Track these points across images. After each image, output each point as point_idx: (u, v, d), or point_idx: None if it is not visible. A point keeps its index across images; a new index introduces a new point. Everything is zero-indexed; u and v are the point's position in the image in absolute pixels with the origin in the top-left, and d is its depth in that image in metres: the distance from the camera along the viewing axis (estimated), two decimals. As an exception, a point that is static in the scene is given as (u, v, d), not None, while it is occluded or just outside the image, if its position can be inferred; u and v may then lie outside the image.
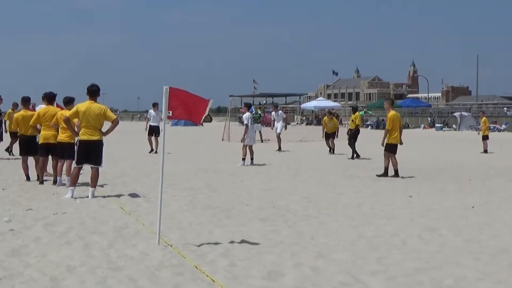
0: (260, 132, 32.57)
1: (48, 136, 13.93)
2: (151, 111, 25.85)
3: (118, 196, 12.53)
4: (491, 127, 55.99)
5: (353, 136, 23.46)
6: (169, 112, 8.24)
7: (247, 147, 20.24)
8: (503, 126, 56.97)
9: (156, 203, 8.94)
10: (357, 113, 24.51)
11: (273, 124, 29.27)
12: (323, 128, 26.77)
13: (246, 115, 20.56)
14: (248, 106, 22.28)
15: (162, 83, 8.16)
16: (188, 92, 8.42)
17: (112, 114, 12.22)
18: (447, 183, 15.47)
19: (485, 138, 27.75)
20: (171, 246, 8.09)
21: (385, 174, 16.75)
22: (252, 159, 20.36)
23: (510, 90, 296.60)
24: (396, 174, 16.66)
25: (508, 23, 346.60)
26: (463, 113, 64.04)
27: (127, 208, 11.08)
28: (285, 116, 29.57)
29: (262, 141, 32.15)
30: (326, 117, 26.75)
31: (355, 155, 23.16)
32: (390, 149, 16.95)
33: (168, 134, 9.91)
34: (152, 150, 24.94)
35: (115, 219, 9.98)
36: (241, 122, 27.31)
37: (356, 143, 23.45)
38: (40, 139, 14.17)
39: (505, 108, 72.60)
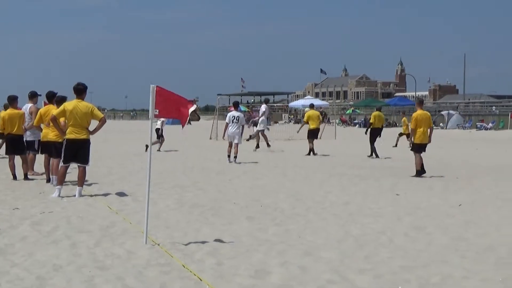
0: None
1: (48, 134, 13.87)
2: None
3: (105, 195, 12.51)
4: (478, 125, 56.45)
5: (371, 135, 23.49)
6: (156, 111, 8.24)
7: (229, 144, 20.49)
8: (490, 124, 57.23)
9: (144, 202, 8.93)
10: (375, 112, 24.38)
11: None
12: (303, 125, 26.14)
13: (229, 114, 20.91)
14: (236, 105, 22.35)
15: (149, 82, 8.14)
16: (174, 93, 8.44)
17: (99, 113, 12.18)
18: (434, 182, 15.54)
19: (401, 135, 30.68)
20: (159, 245, 8.09)
21: (422, 171, 16.62)
22: (235, 157, 20.43)
23: (497, 88, 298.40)
24: (417, 174, 16.56)
25: (495, 22, 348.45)
26: (451, 111, 64.24)
27: (114, 207, 11.06)
28: (263, 110, 28.40)
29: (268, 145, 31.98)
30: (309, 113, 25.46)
31: (373, 154, 23.10)
32: (415, 148, 16.89)
33: (155, 132, 9.90)
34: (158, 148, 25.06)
35: (102, 218, 9.96)
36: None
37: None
38: (42, 138, 14.13)
39: (493, 107, 72.95)
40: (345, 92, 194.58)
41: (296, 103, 67.44)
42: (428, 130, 16.94)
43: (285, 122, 76.15)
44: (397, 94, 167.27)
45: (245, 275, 6.78)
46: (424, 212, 10.94)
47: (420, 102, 18.39)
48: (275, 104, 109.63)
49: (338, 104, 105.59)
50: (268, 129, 34.37)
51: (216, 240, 8.42)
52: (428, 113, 17.49)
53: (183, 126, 8.87)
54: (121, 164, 19.53)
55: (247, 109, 75.25)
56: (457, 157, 23.53)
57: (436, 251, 8.01)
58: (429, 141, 17.09)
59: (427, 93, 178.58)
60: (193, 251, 7.82)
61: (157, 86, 8.19)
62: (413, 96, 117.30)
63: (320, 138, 25.10)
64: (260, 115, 28.19)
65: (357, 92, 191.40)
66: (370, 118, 25.00)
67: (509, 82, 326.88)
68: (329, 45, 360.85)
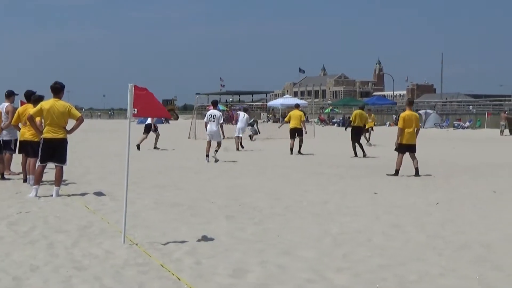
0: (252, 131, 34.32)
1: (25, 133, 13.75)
2: None
3: (83, 194, 12.44)
4: (456, 125, 56.90)
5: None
6: (134, 110, 8.20)
7: (208, 142, 20.59)
8: (467, 123, 57.73)
9: (121, 201, 8.88)
10: (357, 110, 24.34)
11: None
12: (283, 123, 26.23)
13: (207, 113, 21.10)
14: (215, 104, 22.36)
15: (127, 81, 8.10)
16: (151, 94, 8.43)
17: (77, 112, 12.11)
18: (412, 180, 15.64)
19: (366, 131, 30.16)
20: (137, 244, 8.06)
21: (416, 173, 16.56)
22: (216, 151, 20.50)
23: (474, 88, 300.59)
24: (396, 173, 16.57)
25: (472, 22, 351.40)
26: (428, 110, 64.71)
27: (92, 206, 11.00)
28: (241, 117, 29.02)
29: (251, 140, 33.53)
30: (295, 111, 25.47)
31: (356, 154, 23.04)
32: (399, 148, 16.85)
33: (134, 132, 9.86)
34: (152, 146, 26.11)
35: (80, 217, 9.90)
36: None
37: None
38: (19, 137, 14.01)
39: (470, 106, 73.56)
40: (324, 91, 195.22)
41: (275, 102, 67.68)
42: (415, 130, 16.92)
43: (264, 121, 76.23)
44: (375, 93, 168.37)
45: (223, 274, 6.77)
46: (401, 211, 11.01)
47: (410, 102, 18.41)
48: (253, 103, 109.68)
49: (316, 103, 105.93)
50: (259, 132, 34.79)
51: (194, 240, 8.41)
52: (417, 114, 17.50)
53: (164, 119, 8.86)
54: (99, 163, 19.44)
55: (225, 108, 75.42)
56: (435, 156, 23.66)
57: (413, 249, 8.07)
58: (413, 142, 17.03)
59: (405, 92, 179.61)
60: (172, 250, 7.80)
61: (135, 85, 8.16)
62: (391, 96, 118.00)
63: (300, 136, 24.86)
64: (238, 121, 28.57)
65: (336, 91, 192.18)
66: (350, 117, 24.95)
67: (486, 81, 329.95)
68: (308, 44, 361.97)
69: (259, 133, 35.03)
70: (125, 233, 8.15)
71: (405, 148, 16.76)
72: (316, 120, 63.96)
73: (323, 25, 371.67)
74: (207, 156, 20.40)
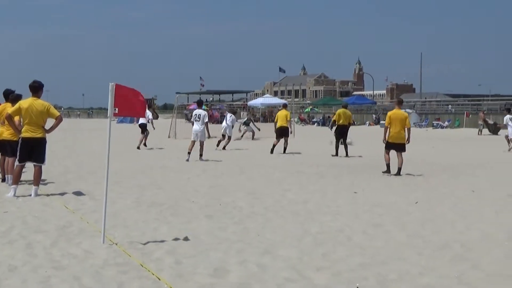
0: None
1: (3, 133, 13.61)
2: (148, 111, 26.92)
3: (62, 194, 12.36)
4: (435, 124, 57.22)
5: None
6: (115, 109, 8.15)
7: (192, 142, 20.59)
8: (446, 123, 58.10)
9: (101, 201, 8.84)
10: (340, 109, 24.27)
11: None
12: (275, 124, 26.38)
13: (193, 112, 21.12)
14: (200, 103, 22.41)
15: (107, 80, 8.05)
16: (131, 88, 8.38)
17: (56, 111, 12.02)
18: (392, 179, 15.72)
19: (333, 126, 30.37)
20: (116, 244, 8.02)
21: (398, 172, 16.67)
22: (200, 155, 20.61)
23: (452, 87, 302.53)
24: (388, 169, 16.74)
25: (451, 22, 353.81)
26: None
27: (71, 206, 10.93)
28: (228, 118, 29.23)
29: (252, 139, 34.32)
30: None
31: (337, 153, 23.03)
32: (386, 146, 16.99)
33: (114, 131, 9.80)
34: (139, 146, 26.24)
35: (59, 217, 9.83)
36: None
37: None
38: None
39: (449, 106, 74.04)
40: (304, 91, 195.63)
41: (255, 102, 67.46)
42: (405, 130, 16.93)
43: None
44: (355, 92, 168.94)
45: (204, 274, 6.76)
46: (382, 210, 11.05)
47: (398, 101, 18.43)
48: (234, 103, 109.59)
49: (296, 102, 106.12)
50: (259, 129, 35.00)
51: (174, 239, 8.39)
52: (405, 113, 17.48)
53: (138, 119, 8.83)
54: (78, 163, 19.32)
55: (205, 108, 75.29)
56: (414, 156, 23.74)
57: (393, 248, 8.10)
58: (408, 141, 17.07)
59: (384, 92, 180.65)
60: (152, 250, 7.77)
61: (116, 84, 8.11)
62: (371, 95, 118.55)
63: (285, 136, 24.84)
64: (225, 121, 28.72)
65: (316, 91, 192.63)
66: (333, 116, 24.88)
67: (465, 81, 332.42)
68: (288, 43, 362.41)
69: (259, 130, 34.98)
70: (104, 233, 8.11)
71: (391, 146, 16.85)
72: (296, 119, 64.06)
73: (303, 24, 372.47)
74: (189, 153, 20.46)
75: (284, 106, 26.50)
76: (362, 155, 23.31)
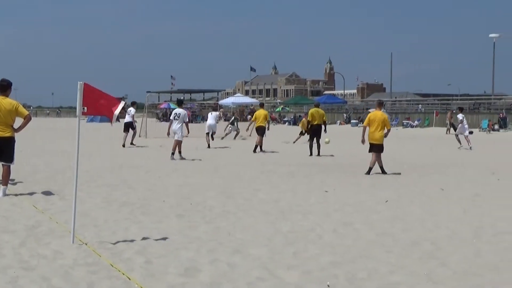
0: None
1: None
2: (132, 109, 28.49)
3: (31, 194, 12.24)
4: (405, 123, 57.73)
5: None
6: (83, 108, 8.09)
7: (175, 141, 20.80)
8: (416, 122, 58.63)
9: (71, 200, 8.78)
10: (312, 109, 24.34)
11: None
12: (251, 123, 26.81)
13: (173, 111, 21.66)
14: (180, 103, 22.71)
15: (76, 79, 7.99)
16: (101, 91, 8.34)
17: (24, 110, 11.88)
18: (362, 178, 15.82)
19: (301, 133, 30.38)
20: (86, 244, 7.97)
21: (368, 172, 16.77)
22: (179, 152, 20.86)
23: (422, 87, 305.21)
24: (368, 171, 16.78)
25: (421, 22, 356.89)
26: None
27: (40, 206, 10.83)
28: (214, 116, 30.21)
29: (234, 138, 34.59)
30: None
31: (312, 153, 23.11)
32: (369, 148, 17.06)
33: (83, 130, 9.75)
34: (124, 145, 27.03)
35: (28, 217, 9.74)
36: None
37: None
38: None
39: (420, 105, 74.67)
40: (275, 90, 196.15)
41: (226, 101, 67.34)
42: (384, 130, 17.02)
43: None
44: (326, 92, 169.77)
45: (175, 273, 6.75)
46: (352, 208, 11.13)
47: (379, 103, 18.44)
48: (205, 102, 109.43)
49: (267, 102, 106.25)
50: (238, 131, 35.26)
51: (145, 239, 8.36)
52: (385, 115, 17.62)
53: (112, 123, 8.79)
54: (47, 162, 19.14)
55: (177, 107, 74.93)
56: (384, 155, 23.89)
57: (363, 246, 8.16)
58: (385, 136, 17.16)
59: (355, 91, 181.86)
60: (122, 250, 7.74)
61: (84, 83, 8.06)
62: (342, 94, 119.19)
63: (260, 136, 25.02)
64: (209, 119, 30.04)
65: (287, 90, 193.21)
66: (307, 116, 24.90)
67: (434, 81, 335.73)
68: (259, 43, 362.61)
69: (239, 131, 35.34)
70: (74, 233, 8.05)
71: (371, 146, 16.94)
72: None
73: (275, 23, 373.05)
74: (172, 154, 20.70)
75: (261, 105, 26.93)
76: (333, 154, 23.42)
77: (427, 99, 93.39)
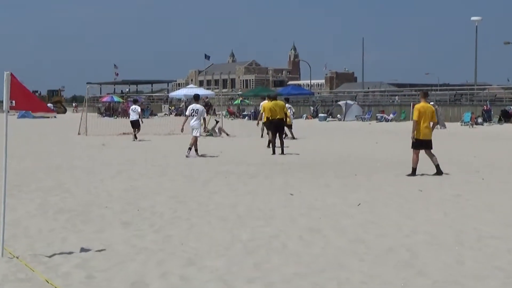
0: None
1: None
2: (137, 107, 31.82)
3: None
4: (379, 117, 58.19)
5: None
6: (11, 102, 7.99)
7: (193, 137, 22.00)
8: (391, 115, 59.04)
9: (-1, 208, 8.66)
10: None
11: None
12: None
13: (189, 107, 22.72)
14: (196, 98, 23.31)
15: (4, 68, 7.91)
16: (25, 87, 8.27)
17: None
18: (331, 179, 15.89)
19: (290, 127, 30.57)
20: (17, 257, 7.89)
21: (413, 173, 16.60)
22: (196, 150, 22.07)
23: (398, 76, 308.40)
24: (413, 172, 16.61)
25: (395, 4, 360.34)
26: (349, 101, 65.69)
27: (-36, 214, 10.67)
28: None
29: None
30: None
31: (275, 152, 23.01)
32: (414, 145, 16.83)
33: (14, 127, 9.65)
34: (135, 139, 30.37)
35: (-51, 228, 9.59)
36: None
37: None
38: None
39: (396, 97, 75.27)
40: (233, 80, 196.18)
41: (178, 93, 67.19)
42: (431, 124, 17.01)
43: (165, 114, 75.88)
44: (290, 82, 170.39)
45: (119, 288, 6.72)
46: (319, 213, 11.19)
47: (425, 94, 18.23)
48: (153, 94, 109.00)
49: (225, 93, 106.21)
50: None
51: (85, 250, 8.31)
52: (432, 107, 17.55)
53: (52, 115, 8.71)
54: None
55: (121, 100, 74.51)
56: (356, 152, 24.15)
57: (332, 254, 8.22)
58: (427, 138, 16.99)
59: (323, 81, 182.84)
60: (59, 263, 7.68)
61: (11, 73, 7.94)
62: (308, 85, 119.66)
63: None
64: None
65: (246, 80, 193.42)
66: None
67: (411, 69, 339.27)
68: (215, 27, 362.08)
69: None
70: (3, 245, 7.96)
71: (420, 144, 16.83)
72: (224, 112, 64.07)
73: (232, 7, 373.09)
74: (189, 149, 21.82)
75: (271, 97, 25.92)
76: (298, 153, 23.49)
77: (403, 89, 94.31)
